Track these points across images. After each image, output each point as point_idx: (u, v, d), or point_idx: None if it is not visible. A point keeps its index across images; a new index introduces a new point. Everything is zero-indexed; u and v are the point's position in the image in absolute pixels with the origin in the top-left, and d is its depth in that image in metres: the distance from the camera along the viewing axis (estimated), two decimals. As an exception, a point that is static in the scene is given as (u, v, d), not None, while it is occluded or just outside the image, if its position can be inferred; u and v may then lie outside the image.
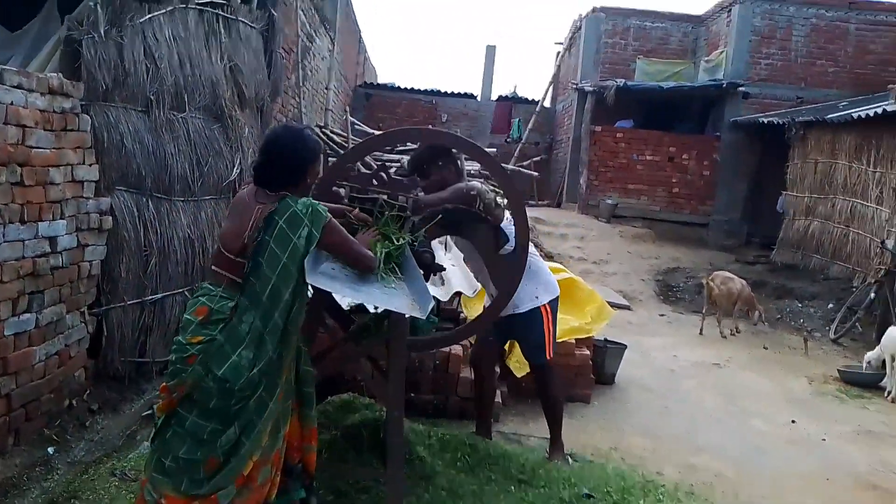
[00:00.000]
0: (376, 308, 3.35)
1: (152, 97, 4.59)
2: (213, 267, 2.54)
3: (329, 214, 2.51)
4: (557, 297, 4.06)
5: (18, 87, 3.37)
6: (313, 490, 2.75)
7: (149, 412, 4.04)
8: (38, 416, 3.68)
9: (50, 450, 3.61)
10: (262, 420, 2.34)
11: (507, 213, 3.60)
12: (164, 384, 2.45)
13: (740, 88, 13.38)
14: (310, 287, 3.86)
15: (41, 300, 3.64)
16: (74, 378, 4.02)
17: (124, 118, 4.33)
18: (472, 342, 4.84)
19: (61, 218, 3.75)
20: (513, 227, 3.51)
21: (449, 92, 18.43)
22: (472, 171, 3.98)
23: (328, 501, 3.15)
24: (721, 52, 14.05)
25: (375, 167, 3.35)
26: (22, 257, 3.44)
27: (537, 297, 3.89)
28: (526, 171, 5.65)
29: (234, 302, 2.40)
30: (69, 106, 3.80)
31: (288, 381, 2.52)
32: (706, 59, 14.67)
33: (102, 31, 4.19)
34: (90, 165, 4.03)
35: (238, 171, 5.79)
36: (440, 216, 3.27)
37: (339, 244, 2.57)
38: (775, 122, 11.84)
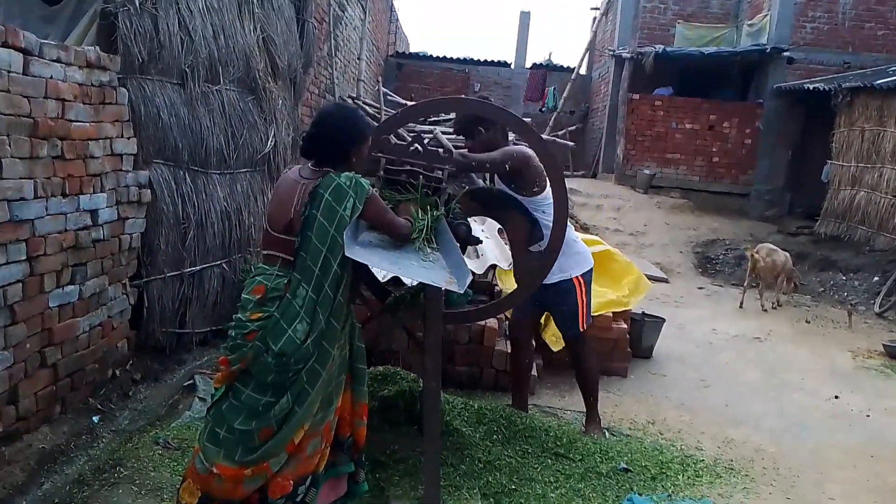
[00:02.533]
0: (412, 281, 3.34)
1: (187, 70, 4.59)
2: (264, 250, 2.61)
3: (371, 187, 2.57)
4: (591, 269, 4.00)
5: (57, 60, 3.39)
6: (362, 464, 2.80)
7: (190, 382, 4.12)
8: (83, 385, 3.77)
9: (95, 418, 3.70)
10: (314, 389, 2.42)
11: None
12: (222, 357, 2.55)
13: (784, 53, 12.94)
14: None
15: (84, 272, 3.70)
16: (117, 349, 4.11)
17: (160, 91, 4.35)
18: (508, 315, 4.83)
19: (101, 191, 3.80)
20: (550, 201, 3.45)
21: (482, 60, 18.19)
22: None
23: (366, 471, 3.18)
24: (764, 16, 13.58)
25: (410, 139, 3.31)
26: (64, 230, 3.49)
27: (569, 269, 3.83)
28: (561, 140, 5.58)
29: (288, 278, 2.48)
30: (107, 79, 3.82)
31: (342, 354, 2.58)
32: (749, 22, 14.20)
33: (138, 4, 4.18)
34: (128, 139, 4.06)
35: (272, 143, 5.80)
36: (477, 192, 3.23)
37: (379, 214, 2.63)
38: (821, 89, 11.43)
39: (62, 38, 4.55)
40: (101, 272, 3.86)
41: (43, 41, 3.32)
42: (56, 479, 3.19)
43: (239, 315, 2.52)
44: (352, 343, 2.66)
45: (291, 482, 2.43)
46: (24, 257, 3.21)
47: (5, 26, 3.05)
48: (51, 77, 3.32)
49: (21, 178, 3.14)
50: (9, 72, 3.03)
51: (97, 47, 3.82)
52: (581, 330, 3.98)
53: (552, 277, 3.76)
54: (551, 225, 3.42)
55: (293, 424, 2.40)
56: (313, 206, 2.47)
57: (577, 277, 3.87)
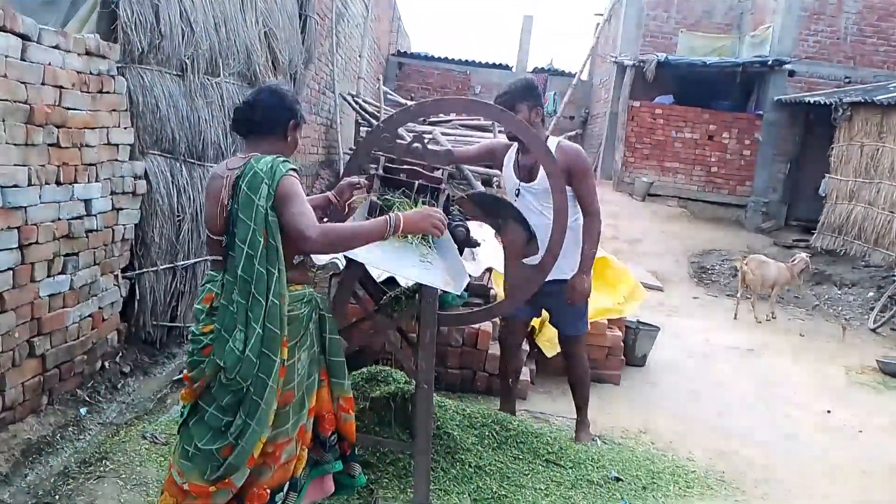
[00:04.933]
0: (407, 281, 3.31)
1: (187, 61, 4.55)
2: (210, 255, 2.42)
3: (292, 172, 2.27)
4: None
5: (56, 47, 3.35)
6: (355, 458, 2.65)
7: (179, 376, 4.07)
8: (72, 377, 3.72)
9: (82, 410, 3.66)
10: (263, 400, 2.22)
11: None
12: (185, 372, 2.39)
13: (786, 66, 12.98)
14: (341, 259, 3.84)
15: (76, 262, 3.66)
16: (107, 340, 4.06)
17: (159, 82, 4.31)
18: (500, 319, 4.80)
19: (96, 181, 3.75)
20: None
21: (483, 62, 18.17)
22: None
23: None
24: (767, 27, 13.61)
25: (409, 138, 3.28)
26: (57, 219, 3.45)
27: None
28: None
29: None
30: (105, 68, 3.78)
31: (311, 353, 2.42)
32: (752, 34, 14.23)
33: (139, -8, 4.14)
34: (125, 129, 4.02)
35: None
36: (478, 196, 3.21)
37: (286, 199, 2.21)
38: (821, 102, 11.46)
39: (62, 24, 4.51)
40: (93, 262, 3.82)
41: (42, 27, 3.28)
42: (41, 471, 3.15)
43: (193, 328, 2.35)
44: (322, 337, 2.48)
45: (268, 491, 2.32)
46: (15, 245, 3.16)
47: (4, 10, 3.00)
48: (49, 63, 3.28)
49: (15, 165, 3.10)
50: (6, 57, 2.99)
51: (97, 35, 3.78)
52: (588, 327, 3.96)
53: (564, 275, 3.73)
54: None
55: (249, 439, 2.23)
56: (234, 199, 2.23)
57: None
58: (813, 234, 11.43)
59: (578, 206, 3.73)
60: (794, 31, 13.12)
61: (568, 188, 3.60)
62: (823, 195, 11.47)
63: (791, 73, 13.09)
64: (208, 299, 2.32)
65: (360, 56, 12.26)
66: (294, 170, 2.29)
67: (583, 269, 3.72)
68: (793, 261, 8.38)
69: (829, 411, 5.32)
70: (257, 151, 2.33)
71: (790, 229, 12.77)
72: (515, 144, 3.87)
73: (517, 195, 3.79)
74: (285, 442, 2.33)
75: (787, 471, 4.22)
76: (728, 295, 9.17)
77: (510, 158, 3.89)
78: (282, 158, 2.29)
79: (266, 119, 2.37)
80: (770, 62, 12.90)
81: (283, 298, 2.23)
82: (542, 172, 3.57)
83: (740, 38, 14.79)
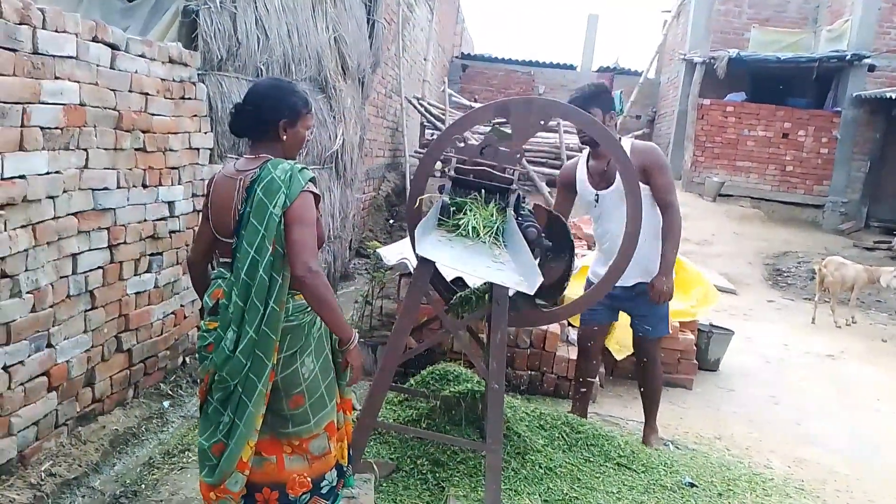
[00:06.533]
0: (476, 281, 3.32)
1: (262, 67, 4.69)
2: (220, 259, 2.39)
3: (311, 184, 2.22)
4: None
5: (142, 56, 3.51)
6: (349, 458, 2.60)
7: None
8: (156, 371, 3.89)
9: (165, 404, 3.82)
10: (252, 402, 2.21)
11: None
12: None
13: (865, 60, 12.40)
14: (412, 259, 3.88)
15: (160, 262, 3.82)
16: (188, 337, 4.22)
17: (236, 88, 4.45)
18: (571, 322, 4.75)
19: (179, 184, 3.91)
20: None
21: (547, 62, 18.05)
22: (572, 146, 3.89)
23: (426, 470, 3.19)
24: (845, 22, 13.05)
25: (477, 142, 3.29)
26: (143, 220, 3.61)
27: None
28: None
29: None
30: (187, 75, 3.93)
31: (324, 356, 2.40)
32: (828, 28, 13.67)
33: (218, 2, 4.30)
34: (205, 133, 4.17)
35: (341, 141, 5.88)
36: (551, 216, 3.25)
37: (295, 220, 2.16)
38: (904, 97, 10.93)
39: (140, 33, 4.72)
40: (175, 262, 3.98)
41: (130, 36, 3.44)
42: (127, 461, 3.30)
43: (202, 322, 2.35)
44: (332, 337, 2.43)
45: (309, 479, 2.34)
46: (105, 245, 3.33)
47: (96, 22, 3.17)
48: (135, 71, 3.44)
49: (105, 169, 3.26)
50: (97, 65, 3.15)
51: (179, 44, 3.94)
52: (669, 331, 3.90)
53: (644, 278, 3.70)
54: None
55: (238, 440, 2.21)
56: (247, 202, 2.20)
57: None
58: (895, 235, 10.89)
59: (657, 208, 3.67)
60: (873, 23, 12.55)
61: (646, 187, 3.56)
62: (907, 194, 10.93)
63: (871, 68, 12.51)
64: (216, 295, 2.30)
65: (424, 59, 12.36)
66: (312, 179, 2.25)
67: (663, 270, 3.65)
68: (878, 274, 7.92)
69: (915, 420, 5.07)
70: (261, 152, 2.29)
71: (870, 231, 12.21)
72: (581, 154, 3.85)
73: (596, 202, 3.76)
74: (311, 437, 2.35)
75: (870, 481, 4.04)
76: (805, 298, 8.83)
77: (581, 170, 3.86)
78: (300, 166, 2.24)
79: (256, 122, 2.31)
80: (848, 57, 12.36)
81: (282, 305, 2.21)
82: (618, 177, 3.54)
83: (816, 33, 14.23)
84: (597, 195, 3.76)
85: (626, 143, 3.69)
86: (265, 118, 2.29)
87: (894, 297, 8.60)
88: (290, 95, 2.35)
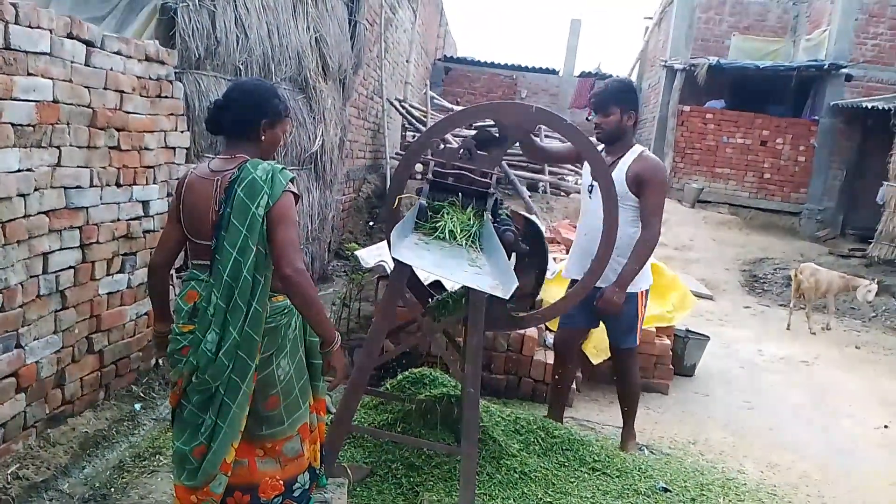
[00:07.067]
0: (453, 285, 3.31)
1: (241, 67, 4.66)
2: (193, 260, 2.34)
3: (291, 184, 2.23)
4: (649, 288, 3.93)
5: (118, 53, 3.46)
6: (322, 458, 2.61)
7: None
8: (128, 373, 3.83)
9: (137, 406, 3.76)
10: (235, 403, 2.20)
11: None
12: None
13: (843, 70, 12.60)
14: (389, 262, 3.87)
15: (133, 262, 3.77)
16: (161, 338, 4.16)
17: (214, 87, 4.41)
18: (549, 326, 4.77)
19: (154, 183, 3.86)
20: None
21: (530, 67, 18.11)
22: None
23: (400, 474, 3.17)
24: (823, 31, 13.24)
25: (457, 144, 3.29)
26: (117, 219, 3.56)
27: (638, 283, 3.74)
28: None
29: None
30: (164, 73, 3.89)
31: (298, 357, 2.40)
32: (807, 37, 13.86)
33: (197, 0, 4.26)
34: (182, 132, 4.13)
35: (320, 142, 5.85)
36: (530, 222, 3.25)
37: (279, 220, 2.17)
38: (880, 108, 11.10)
39: (115, 30, 4.66)
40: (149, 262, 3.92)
41: (105, 33, 3.40)
42: (97, 464, 3.25)
43: (174, 325, 2.31)
44: (305, 339, 2.45)
45: (281, 482, 2.34)
46: (77, 244, 3.28)
47: (72, 18, 3.12)
48: (111, 69, 3.39)
49: (78, 167, 3.21)
50: (72, 62, 3.10)
51: (156, 41, 3.89)
52: (637, 343, 3.91)
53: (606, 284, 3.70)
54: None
55: (221, 442, 2.20)
56: (227, 203, 2.17)
57: (641, 292, 3.81)
58: (870, 243, 11.05)
59: (640, 223, 3.66)
60: (851, 34, 12.74)
61: (637, 200, 3.57)
62: (881, 203, 11.07)
63: (848, 78, 12.71)
64: (191, 297, 2.27)
65: (407, 61, 12.35)
66: (293, 180, 2.25)
67: (619, 282, 3.60)
68: (854, 284, 8.00)
69: (886, 426, 5.13)
70: (237, 152, 2.28)
71: (846, 238, 12.38)
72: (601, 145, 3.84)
73: (590, 192, 3.74)
74: (285, 439, 2.35)
75: (842, 486, 4.09)
76: (781, 305, 8.94)
77: None
78: (280, 166, 2.24)
79: (237, 121, 2.29)
80: (826, 66, 12.54)
81: (265, 305, 2.21)
82: (618, 176, 3.54)
83: (795, 42, 14.43)
84: (591, 186, 3.73)
85: (637, 150, 3.68)
86: (247, 117, 2.29)
87: (869, 307, 8.73)
88: (273, 97, 2.36)
